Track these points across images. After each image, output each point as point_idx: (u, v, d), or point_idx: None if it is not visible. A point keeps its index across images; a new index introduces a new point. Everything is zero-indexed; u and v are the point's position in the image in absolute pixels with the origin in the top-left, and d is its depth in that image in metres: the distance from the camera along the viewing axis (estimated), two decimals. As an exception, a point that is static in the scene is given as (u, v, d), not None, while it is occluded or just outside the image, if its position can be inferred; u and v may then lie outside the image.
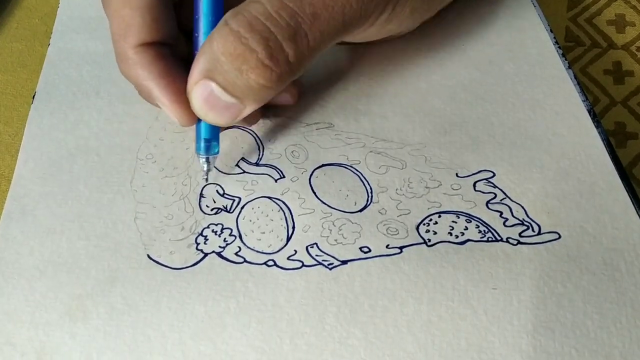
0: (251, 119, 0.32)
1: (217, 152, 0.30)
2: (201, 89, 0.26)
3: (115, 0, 0.27)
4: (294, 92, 0.32)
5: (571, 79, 0.34)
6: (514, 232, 0.29)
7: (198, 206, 0.30)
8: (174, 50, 0.29)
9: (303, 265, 0.28)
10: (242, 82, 0.25)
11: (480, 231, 0.29)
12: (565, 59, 0.35)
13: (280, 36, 0.25)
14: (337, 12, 0.25)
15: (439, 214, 0.30)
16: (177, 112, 0.28)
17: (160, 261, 0.29)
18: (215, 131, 0.29)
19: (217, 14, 0.27)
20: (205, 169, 0.30)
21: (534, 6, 0.37)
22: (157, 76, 0.28)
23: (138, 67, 0.28)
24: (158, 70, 0.28)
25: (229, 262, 0.29)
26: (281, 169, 0.31)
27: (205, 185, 0.31)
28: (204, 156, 0.30)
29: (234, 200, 0.30)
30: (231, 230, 0.29)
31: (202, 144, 0.29)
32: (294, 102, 0.33)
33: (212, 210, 0.30)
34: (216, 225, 0.30)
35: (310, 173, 0.31)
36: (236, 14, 0.25)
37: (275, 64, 0.25)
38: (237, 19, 0.25)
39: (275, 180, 0.31)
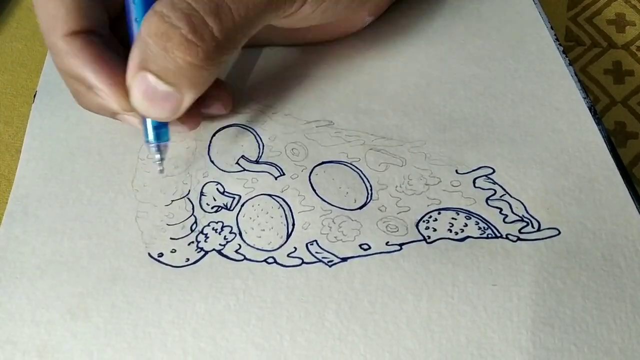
0: (191, 122, 0.31)
1: (168, 140, 0.29)
2: (138, 82, 0.26)
3: None
4: (226, 100, 0.32)
5: (571, 75, 0.34)
6: (513, 229, 0.29)
7: (198, 204, 0.30)
8: (107, 41, 0.29)
9: (303, 262, 0.28)
10: (171, 63, 0.25)
11: (479, 228, 0.29)
12: (566, 55, 0.35)
13: (203, 11, 0.24)
14: None
15: (439, 210, 0.30)
16: (117, 96, 0.27)
17: (161, 259, 0.29)
18: None
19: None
20: (157, 157, 0.29)
21: (534, 3, 0.37)
22: (90, 61, 0.27)
23: (70, 56, 0.27)
24: (90, 55, 0.27)
25: (229, 260, 0.29)
26: (281, 167, 0.31)
27: (206, 184, 0.31)
28: (155, 144, 0.29)
29: (234, 198, 0.30)
30: (231, 228, 0.30)
31: (152, 132, 0.28)
32: (228, 111, 0.32)
33: (212, 208, 0.30)
34: (216, 223, 0.30)
35: (310, 170, 0.31)
36: None
37: (200, 39, 0.24)
38: (161, 1, 0.25)
39: (275, 178, 0.31)
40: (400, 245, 0.29)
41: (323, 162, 0.31)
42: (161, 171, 0.30)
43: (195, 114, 0.30)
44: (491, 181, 0.31)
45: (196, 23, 0.24)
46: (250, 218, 0.30)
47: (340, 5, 0.30)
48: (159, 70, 0.25)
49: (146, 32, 0.24)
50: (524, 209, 0.30)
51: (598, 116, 0.32)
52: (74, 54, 0.27)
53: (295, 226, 0.29)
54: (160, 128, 0.28)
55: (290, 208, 0.30)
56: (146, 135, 0.29)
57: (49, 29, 0.28)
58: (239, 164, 0.31)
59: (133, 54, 0.26)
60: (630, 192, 0.30)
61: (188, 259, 0.29)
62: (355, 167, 0.31)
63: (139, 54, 0.25)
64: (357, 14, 0.33)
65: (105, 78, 0.27)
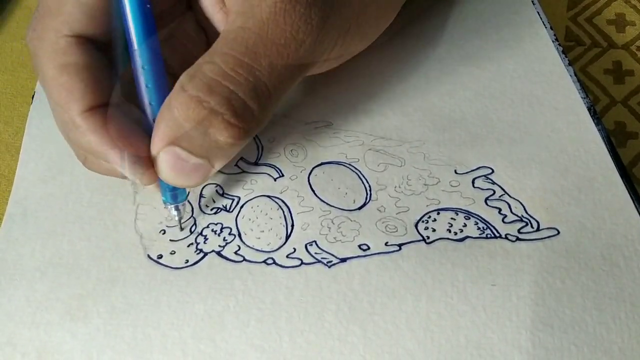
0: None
1: (186, 199, 0.29)
2: (167, 156, 0.25)
3: (50, 68, 0.26)
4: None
5: (570, 75, 0.34)
6: (512, 229, 0.29)
7: (198, 206, 0.30)
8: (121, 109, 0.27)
9: (302, 263, 0.28)
10: (210, 144, 0.25)
11: (479, 228, 0.29)
12: (566, 56, 0.35)
13: (242, 93, 0.24)
14: (291, 57, 0.25)
15: (438, 211, 0.30)
16: (139, 173, 0.26)
17: (160, 261, 0.29)
18: None
19: (158, 73, 0.26)
20: (177, 218, 0.29)
21: (534, 3, 0.37)
22: (112, 139, 0.26)
23: (89, 134, 0.26)
24: (112, 133, 0.26)
25: (228, 261, 0.29)
26: (280, 168, 0.31)
27: (205, 186, 0.31)
28: (173, 205, 0.29)
29: (233, 199, 0.30)
30: (230, 229, 0.30)
31: (169, 194, 0.28)
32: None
33: (211, 209, 0.30)
34: (216, 224, 0.30)
35: (309, 171, 0.31)
36: (192, 77, 0.24)
37: (242, 121, 0.24)
38: (194, 83, 0.24)
39: (274, 179, 0.31)
40: (400, 245, 0.29)
41: (322, 163, 0.31)
42: (182, 229, 0.30)
43: None
44: (490, 181, 0.31)
45: (237, 106, 0.24)
46: (250, 219, 0.30)
47: (364, 41, 0.30)
48: (193, 147, 0.25)
49: (183, 117, 0.24)
50: (523, 209, 0.30)
51: (597, 116, 0.32)
52: (94, 132, 0.26)
53: (294, 227, 0.29)
54: (177, 189, 0.28)
55: (289, 209, 0.30)
56: (166, 198, 0.29)
57: (63, 105, 0.26)
58: (238, 166, 0.31)
59: (159, 129, 0.25)
60: (629, 192, 0.30)
61: (187, 261, 0.29)
62: (354, 167, 0.31)
63: (167, 130, 0.25)
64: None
65: (135, 161, 0.26)
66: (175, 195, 0.28)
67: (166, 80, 0.26)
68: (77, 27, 0.26)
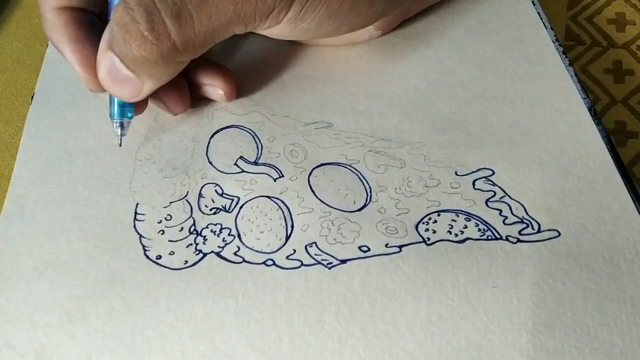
0: (177, 107, 0.32)
1: (131, 117, 0.31)
2: (104, 60, 0.27)
3: None
4: (227, 89, 0.32)
5: (571, 76, 0.34)
6: (513, 230, 0.29)
7: (197, 206, 0.30)
8: (97, 20, 0.30)
9: (302, 264, 0.28)
10: (130, 53, 0.26)
11: (479, 229, 0.29)
12: (566, 56, 0.35)
13: (164, 12, 0.25)
14: (223, 7, 0.26)
15: (438, 212, 0.30)
16: (86, 78, 0.29)
17: (159, 262, 0.29)
18: None
19: None
20: (118, 133, 0.31)
21: (533, 3, 0.37)
22: (68, 39, 0.29)
23: (53, 30, 0.29)
24: (70, 33, 0.29)
25: (228, 262, 0.29)
26: (280, 168, 0.31)
27: (204, 186, 0.31)
28: (118, 120, 0.30)
29: (232, 199, 0.30)
30: (230, 230, 0.29)
31: (116, 109, 0.30)
32: (229, 100, 0.33)
33: (210, 210, 0.30)
34: (215, 225, 0.30)
35: (309, 172, 0.31)
36: None
37: (156, 37, 0.25)
38: None
39: (274, 180, 0.31)
40: (400, 247, 0.29)
41: (322, 164, 0.31)
42: (120, 144, 0.31)
43: (181, 100, 0.32)
44: (491, 183, 0.30)
45: (155, 22, 0.25)
46: (249, 220, 0.30)
47: (325, 29, 0.29)
48: (121, 54, 0.26)
49: (114, 19, 0.26)
50: (523, 210, 0.30)
51: (598, 117, 0.32)
52: (57, 28, 0.29)
53: (294, 228, 0.29)
54: (125, 106, 0.30)
55: (289, 210, 0.30)
56: (112, 112, 0.30)
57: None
58: (237, 165, 0.31)
59: (105, 32, 0.27)
60: (630, 193, 0.30)
61: (186, 261, 0.29)
62: (355, 168, 0.31)
63: (108, 34, 0.27)
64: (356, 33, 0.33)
65: (78, 58, 0.29)
66: (122, 111, 0.30)
67: None
68: None
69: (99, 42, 0.28)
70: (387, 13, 0.32)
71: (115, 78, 0.27)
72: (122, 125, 0.30)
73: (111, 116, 0.30)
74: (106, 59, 0.27)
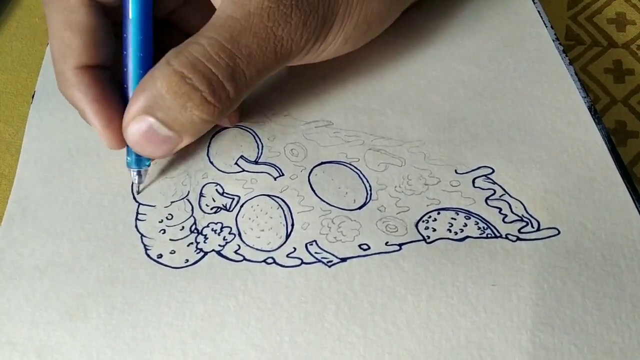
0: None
1: (149, 165, 0.30)
2: (139, 124, 0.27)
3: (57, 21, 0.28)
4: (233, 117, 0.33)
5: (571, 74, 0.34)
6: (513, 229, 0.29)
7: (198, 205, 0.30)
8: (112, 74, 0.30)
9: (302, 262, 0.28)
10: (185, 118, 0.27)
11: (479, 228, 0.29)
12: (566, 55, 0.35)
13: (221, 76, 0.26)
14: (269, 51, 0.27)
15: (438, 210, 0.30)
16: (108, 137, 0.29)
17: (160, 260, 0.29)
18: None
19: (146, 49, 0.29)
20: (136, 182, 0.30)
21: (534, 2, 0.37)
22: (91, 100, 0.29)
23: (75, 89, 0.29)
24: (93, 94, 0.29)
25: (228, 261, 0.29)
26: (280, 167, 0.31)
27: (205, 185, 0.31)
28: (136, 169, 0.30)
29: (233, 198, 0.30)
30: (230, 228, 0.30)
31: (133, 158, 0.30)
32: (232, 125, 0.33)
33: (211, 209, 0.30)
34: (216, 224, 0.30)
35: (310, 171, 0.31)
36: (178, 54, 0.26)
37: (218, 100, 0.26)
38: (180, 60, 0.26)
39: (275, 178, 0.31)
40: (400, 245, 0.29)
41: (322, 163, 0.31)
42: (137, 192, 0.31)
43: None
44: (490, 181, 0.30)
45: (216, 86, 0.26)
46: (250, 218, 0.30)
47: (347, 45, 0.31)
48: (168, 119, 0.27)
49: (165, 88, 0.26)
50: (523, 208, 0.30)
51: (598, 116, 0.32)
52: (79, 88, 0.29)
53: (294, 226, 0.29)
54: (142, 155, 0.29)
55: (289, 208, 0.30)
56: (130, 161, 0.30)
57: (60, 56, 0.29)
58: (238, 165, 0.31)
59: (138, 98, 0.27)
60: (630, 192, 0.30)
61: (187, 260, 0.29)
62: (355, 167, 0.31)
63: (145, 100, 0.26)
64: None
65: (101, 119, 0.29)
66: (139, 160, 0.30)
67: (151, 53, 0.29)
68: None
69: (118, 99, 0.29)
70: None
71: (151, 139, 0.27)
72: (139, 174, 0.30)
73: (129, 165, 0.30)
74: (139, 122, 0.27)
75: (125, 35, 0.28)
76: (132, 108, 0.27)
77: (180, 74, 0.26)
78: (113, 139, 0.29)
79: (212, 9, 0.28)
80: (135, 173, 0.30)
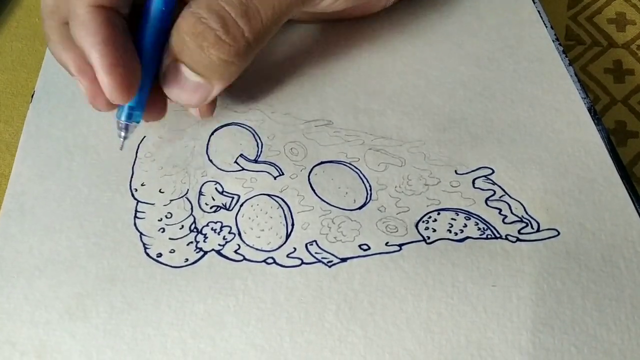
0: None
1: (138, 122, 0.29)
2: (172, 70, 0.28)
3: None
4: (206, 111, 0.32)
5: (571, 75, 0.34)
6: (513, 229, 0.29)
7: (197, 204, 0.30)
8: (125, 24, 0.28)
9: (302, 262, 0.28)
10: (205, 59, 0.27)
11: (479, 228, 0.29)
12: (566, 56, 0.35)
13: (234, 14, 0.27)
14: None
15: (438, 211, 0.30)
16: (110, 85, 0.26)
17: (159, 260, 0.29)
18: (141, 100, 0.28)
19: (168, 3, 0.27)
20: (122, 135, 0.29)
21: (534, 2, 0.37)
22: (100, 41, 0.26)
23: (83, 28, 0.26)
24: (103, 35, 0.26)
25: (228, 260, 0.29)
26: (280, 166, 0.31)
27: (204, 183, 0.31)
28: (124, 122, 0.29)
29: (233, 197, 0.30)
30: (230, 228, 0.29)
31: (125, 110, 0.28)
32: (201, 118, 0.32)
33: (211, 208, 0.30)
34: (215, 223, 0.30)
35: (310, 170, 0.31)
36: None
37: (232, 39, 0.27)
38: (198, 3, 0.27)
39: (275, 178, 0.31)
40: (400, 245, 0.29)
41: (322, 162, 0.31)
42: (121, 148, 0.30)
43: (160, 107, 0.31)
44: (490, 182, 0.30)
45: (229, 25, 0.27)
46: (250, 218, 0.30)
47: None
48: (193, 62, 0.27)
49: (184, 30, 0.27)
50: (523, 209, 0.30)
51: (598, 116, 0.32)
52: (89, 28, 0.26)
53: (294, 226, 0.29)
54: (134, 110, 0.29)
55: (289, 208, 0.30)
56: (120, 113, 0.28)
57: None
58: (237, 163, 0.31)
59: (169, 45, 0.27)
60: (629, 193, 0.30)
61: (187, 259, 0.29)
62: (355, 167, 0.31)
63: (174, 46, 0.27)
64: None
65: (106, 64, 0.26)
66: (130, 114, 0.29)
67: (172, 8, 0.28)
68: None
69: (127, 49, 0.27)
70: None
71: (184, 87, 0.28)
72: (126, 128, 0.29)
73: (118, 116, 0.28)
74: (172, 68, 0.28)
75: None
76: (165, 55, 0.28)
77: (197, 14, 0.26)
78: (116, 86, 0.26)
79: None
80: (122, 125, 0.29)
